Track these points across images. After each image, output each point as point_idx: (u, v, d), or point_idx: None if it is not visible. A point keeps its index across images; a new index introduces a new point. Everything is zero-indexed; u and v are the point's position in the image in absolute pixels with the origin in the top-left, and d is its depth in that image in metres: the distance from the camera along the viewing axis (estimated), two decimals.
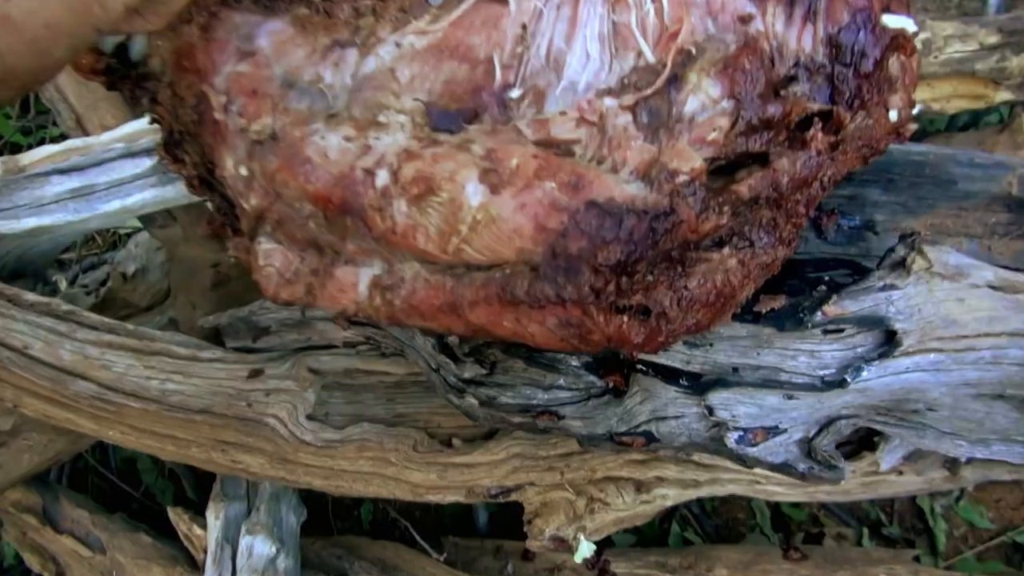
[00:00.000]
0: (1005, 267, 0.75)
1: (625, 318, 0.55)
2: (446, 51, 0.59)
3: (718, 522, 1.36)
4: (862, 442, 0.93)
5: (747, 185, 0.53)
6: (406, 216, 0.55)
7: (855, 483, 0.96)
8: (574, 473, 0.93)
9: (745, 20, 0.54)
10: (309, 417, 0.95)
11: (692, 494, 0.96)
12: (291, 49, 0.63)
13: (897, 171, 0.75)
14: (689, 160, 0.51)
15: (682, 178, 0.51)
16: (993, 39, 1.10)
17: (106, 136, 0.99)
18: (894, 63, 0.58)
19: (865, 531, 1.31)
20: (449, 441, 0.98)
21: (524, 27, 0.57)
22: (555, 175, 0.52)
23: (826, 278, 0.66)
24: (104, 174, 0.97)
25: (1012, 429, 0.65)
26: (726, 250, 0.56)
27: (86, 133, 1.09)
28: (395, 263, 0.57)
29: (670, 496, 0.95)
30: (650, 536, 1.32)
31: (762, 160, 0.54)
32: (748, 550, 1.11)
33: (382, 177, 0.56)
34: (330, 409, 0.99)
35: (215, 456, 0.96)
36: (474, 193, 0.53)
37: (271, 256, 0.62)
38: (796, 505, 1.31)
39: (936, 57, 1.07)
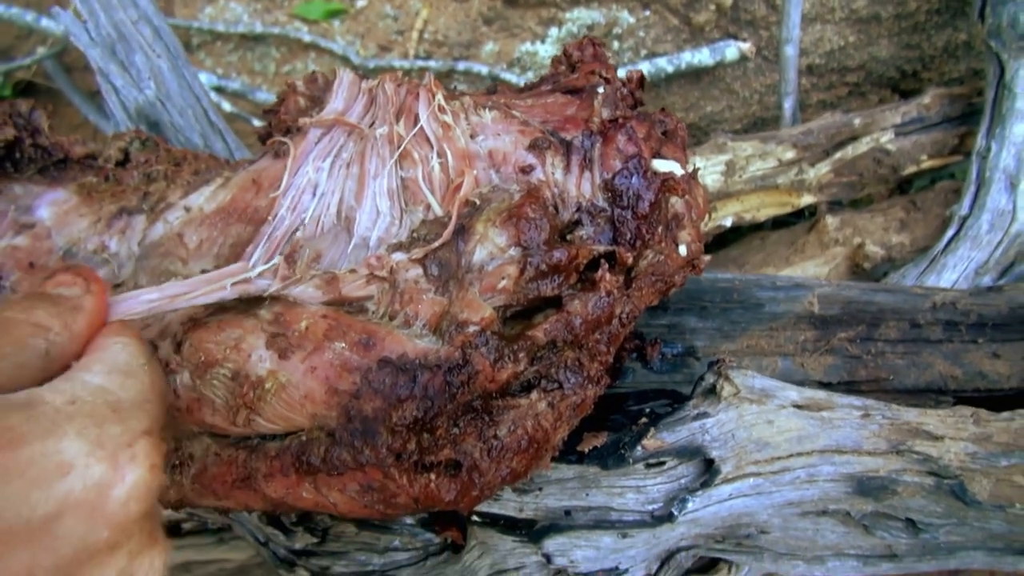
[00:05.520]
0: (818, 381, 0.78)
1: (432, 476, 0.52)
2: (234, 214, 0.57)
3: None
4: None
5: (542, 330, 0.53)
6: (190, 389, 0.51)
7: None
8: None
9: (526, 170, 0.56)
10: None
11: None
12: (74, 219, 0.60)
13: (708, 298, 0.78)
14: (478, 310, 0.51)
15: (472, 328, 0.50)
16: (790, 154, 1.20)
17: None
18: (678, 202, 0.61)
19: None
20: None
21: (313, 186, 0.57)
22: (345, 335, 0.51)
23: (647, 410, 0.66)
24: None
25: (842, 543, 0.65)
26: (534, 394, 0.55)
27: None
28: (182, 440, 0.53)
29: None
30: None
31: (557, 304, 0.55)
32: None
33: (164, 349, 0.52)
34: None
35: None
36: (261, 360, 0.50)
37: None
38: None
39: (740, 176, 1.15)
